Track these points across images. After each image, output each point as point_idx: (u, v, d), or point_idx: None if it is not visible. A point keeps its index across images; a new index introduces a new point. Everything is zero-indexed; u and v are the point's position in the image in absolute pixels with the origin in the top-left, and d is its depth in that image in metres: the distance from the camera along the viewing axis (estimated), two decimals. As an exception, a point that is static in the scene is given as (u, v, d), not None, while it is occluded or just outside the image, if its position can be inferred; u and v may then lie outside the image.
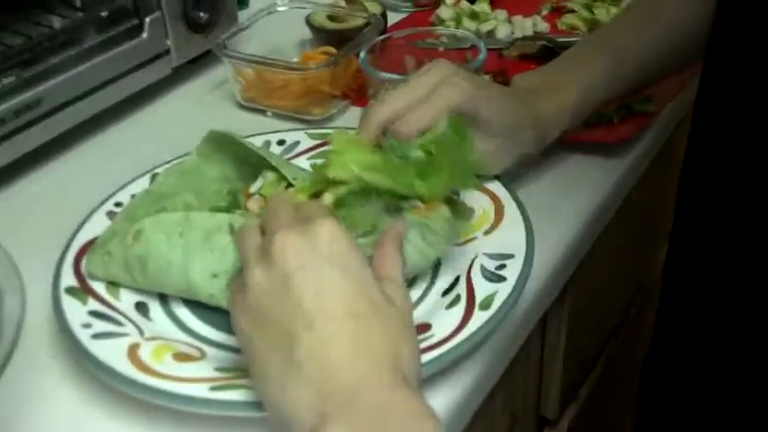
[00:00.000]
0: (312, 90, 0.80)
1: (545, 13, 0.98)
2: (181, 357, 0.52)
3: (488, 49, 0.76)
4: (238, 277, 0.48)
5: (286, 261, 0.44)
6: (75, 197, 0.71)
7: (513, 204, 0.62)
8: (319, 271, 0.44)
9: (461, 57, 0.80)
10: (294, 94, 0.81)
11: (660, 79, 0.72)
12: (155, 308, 0.58)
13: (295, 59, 0.88)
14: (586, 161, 0.73)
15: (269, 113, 0.83)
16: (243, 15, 0.91)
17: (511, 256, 0.57)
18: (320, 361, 0.42)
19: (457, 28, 0.94)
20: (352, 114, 0.82)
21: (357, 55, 0.79)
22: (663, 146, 0.83)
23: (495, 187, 0.64)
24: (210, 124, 0.82)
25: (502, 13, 0.96)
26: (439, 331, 0.52)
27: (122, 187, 0.67)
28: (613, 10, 0.94)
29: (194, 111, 0.86)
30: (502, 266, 0.57)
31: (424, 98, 0.58)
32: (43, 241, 0.66)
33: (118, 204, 0.65)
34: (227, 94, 0.86)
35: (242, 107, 0.84)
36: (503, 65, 0.86)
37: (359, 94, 0.83)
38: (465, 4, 0.98)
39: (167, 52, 0.84)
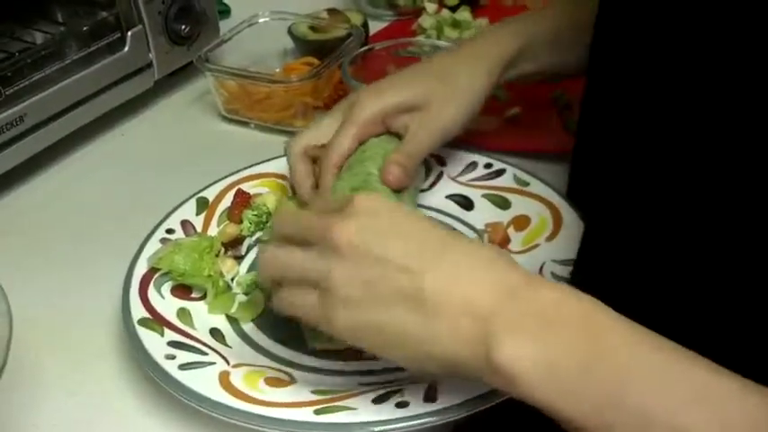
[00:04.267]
0: (295, 102, 0.81)
1: (525, 20, 0.98)
2: (273, 383, 0.51)
3: (469, 59, 0.77)
4: (304, 293, 0.46)
5: (356, 244, 0.44)
6: (62, 211, 0.72)
7: (570, 209, 0.62)
8: (388, 232, 0.45)
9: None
10: (277, 105, 0.82)
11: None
12: (228, 333, 0.57)
13: (277, 70, 0.88)
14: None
15: (252, 125, 0.83)
16: (225, 26, 0.92)
17: None
18: (452, 296, 0.42)
19: (438, 36, 0.95)
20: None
21: (339, 66, 0.79)
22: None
23: (549, 194, 0.64)
24: (193, 136, 0.84)
25: (483, 22, 0.96)
26: None
27: (170, 213, 0.65)
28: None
29: (177, 123, 0.86)
30: None
31: (338, 126, 0.63)
32: (28, 258, 0.67)
33: (170, 231, 0.63)
34: (210, 106, 0.86)
35: (225, 119, 0.85)
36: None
37: (341, 104, 0.84)
38: (446, 13, 0.99)
39: (149, 65, 0.84)
